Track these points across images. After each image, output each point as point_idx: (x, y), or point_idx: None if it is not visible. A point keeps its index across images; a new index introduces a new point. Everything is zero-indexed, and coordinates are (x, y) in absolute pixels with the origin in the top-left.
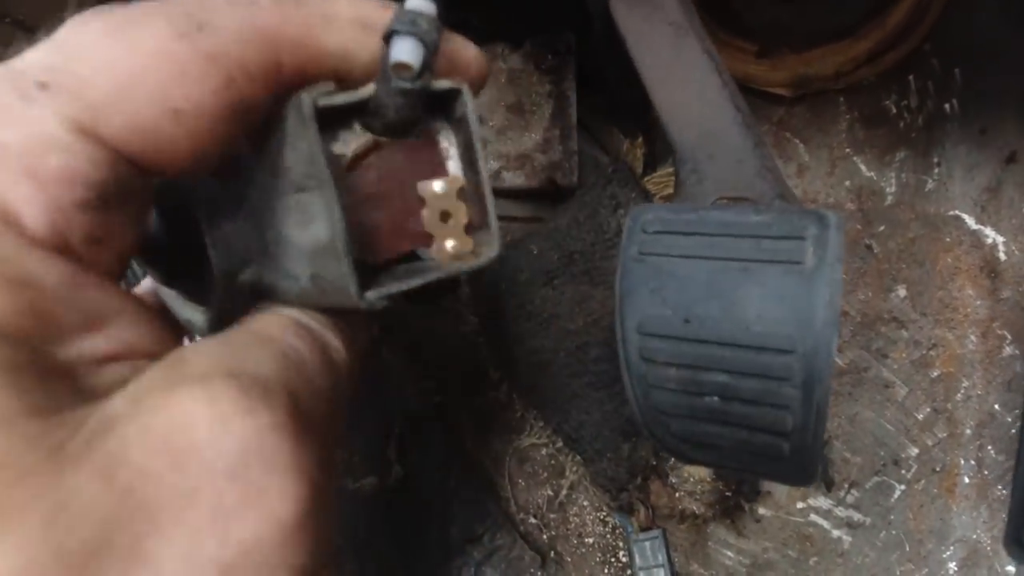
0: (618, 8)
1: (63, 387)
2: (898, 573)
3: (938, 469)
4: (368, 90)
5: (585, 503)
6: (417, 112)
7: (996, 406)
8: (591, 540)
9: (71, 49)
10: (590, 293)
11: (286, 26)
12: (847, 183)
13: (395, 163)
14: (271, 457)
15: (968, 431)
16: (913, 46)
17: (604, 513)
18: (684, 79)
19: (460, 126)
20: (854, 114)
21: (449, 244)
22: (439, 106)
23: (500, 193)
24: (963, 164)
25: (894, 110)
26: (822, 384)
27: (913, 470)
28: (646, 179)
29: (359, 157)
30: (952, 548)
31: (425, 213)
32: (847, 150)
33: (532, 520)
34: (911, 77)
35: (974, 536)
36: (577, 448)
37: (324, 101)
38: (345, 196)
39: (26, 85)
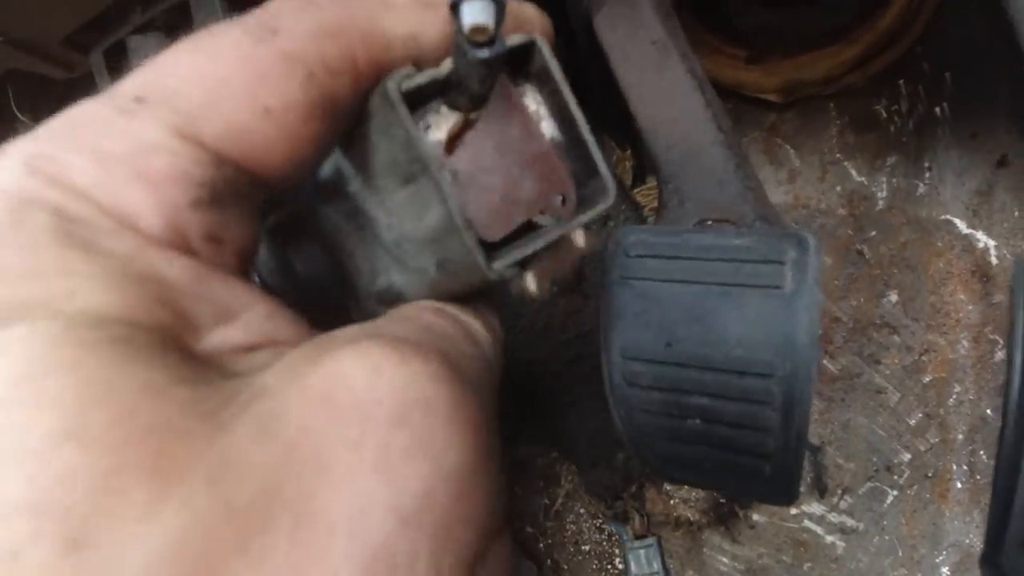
0: (601, 25)
1: (209, 369)
2: None
3: (931, 474)
4: (447, 66)
5: (581, 511)
6: (500, 78)
7: (988, 411)
8: (587, 548)
9: (161, 67)
10: (582, 305)
11: (352, 19)
12: (838, 188)
13: (490, 137)
14: (432, 404)
15: (960, 436)
16: (904, 49)
17: (600, 521)
18: (667, 98)
19: (544, 80)
20: (844, 119)
21: (559, 201)
22: (517, 68)
23: None
24: (954, 168)
25: (884, 115)
26: (802, 407)
27: (906, 475)
28: (635, 191)
29: (453, 138)
30: (945, 553)
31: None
32: (838, 155)
33: (528, 529)
34: (901, 81)
35: (967, 541)
36: (572, 457)
37: (407, 84)
38: (451, 178)
39: (124, 102)
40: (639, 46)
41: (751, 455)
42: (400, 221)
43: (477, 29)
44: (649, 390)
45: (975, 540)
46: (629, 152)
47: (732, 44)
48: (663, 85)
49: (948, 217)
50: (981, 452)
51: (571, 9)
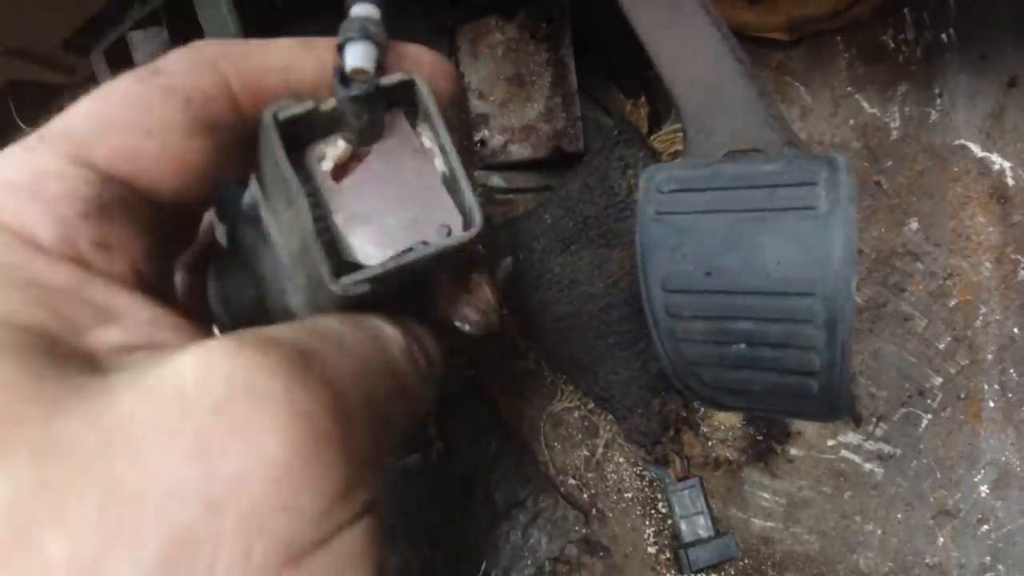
0: None
1: (81, 366)
2: (931, 500)
3: (962, 396)
4: (330, 102)
5: (621, 460)
6: (379, 115)
7: (1015, 329)
8: (630, 495)
9: (64, 113)
10: (608, 255)
11: (228, 54)
12: (851, 122)
13: (382, 168)
14: (258, 394)
15: (989, 356)
16: None
17: (640, 468)
18: (683, 36)
19: (428, 119)
20: (852, 52)
21: (445, 232)
22: (412, 107)
23: (508, 166)
24: (965, 92)
25: (892, 44)
26: (845, 322)
27: (938, 399)
28: (652, 138)
29: (342, 167)
30: (983, 471)
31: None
32: (848, 89)
33: (572, 481)
34: (906, 9)
35: (1003, 458)
36: (608, 407)
37: (285, 113)
38: (337, 201)
39: (30, 142)
40: None
41: (798, 374)
42: (287, 240)
43: (357, 70)
44: (692, 320)
45: (1011, 457)
46: (643, 99)
47: None
48: (678, 23)
49: (962, 142)
50: (1011, 371)
51: None
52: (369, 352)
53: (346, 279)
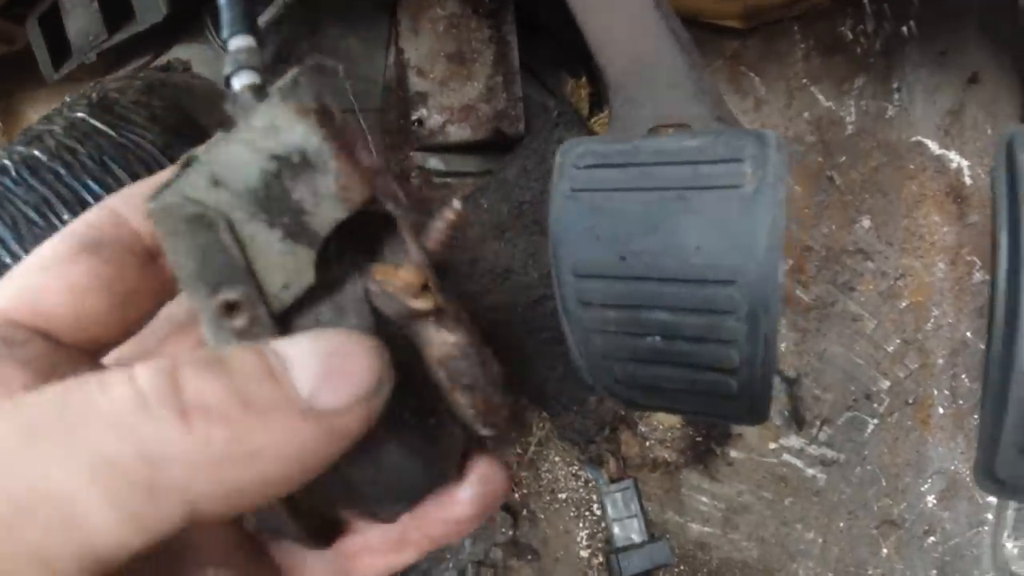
0: None
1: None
2: (876, 509)
3: (911, 401)
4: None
5: (556, 459)
6: None
7: (968, 333)
8: (564, 496)
9: None
10: (543, 244)
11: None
12: (806, 115)
13: None
14: None
15: (940, 360)
16: None
17: (576, 468)
18: (612, 2)
19: None
20: (809, 43)
21: None
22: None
23: (447, 148)
24: (924, 88)
25: (850, 36)
26: (769, 315)
27: (886, 403)
28: (593, 120)
29: None
30: (931, 480)
31: None
32: (804, 80)
33: None
34: (866, 0)
35: (952, 467)
36: (543, 404)
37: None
38: None
39: None
40: None
41: (716, 371)
42: None
43: (248, 87)
44: (604, 308)
45: (960, 466)
46: (584, 79)
47: None
48: None
49: (919, 138)
50: (963, 376)
51: None
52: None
53: None
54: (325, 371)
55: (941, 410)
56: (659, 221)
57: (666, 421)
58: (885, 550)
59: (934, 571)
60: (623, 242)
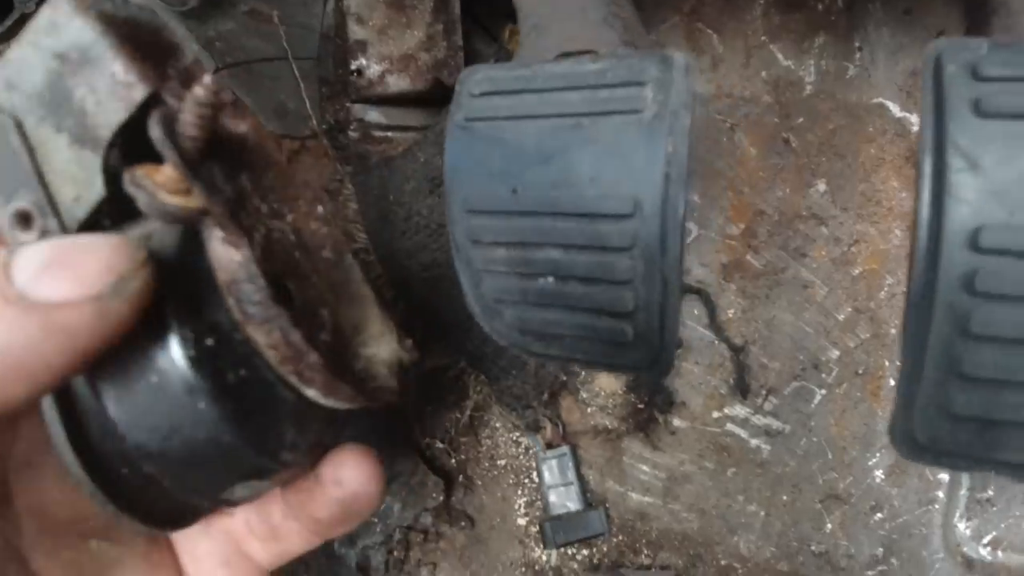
0: None
1: None
2: (821, 482)
3: (861, 372)
4: None
5: (497, 425)
6: None
7: None
8: (503, 462)
9: None
10: None
11: None
12: (763, 74)
13: None
14: None
15: (893, 331)
16: None
17: (517, 435)
18: None
19: None
20: None
21: None
22: None
23: (386, 99)
24: (887, 48)
25: None
26: (668, 255)
27: (834, 373)
28: None
29: None
30: (879, 455)
31: None
32: (763, 38)
33: (439, 444)
34: None
35: None
36: (481, 367)
37: None
38: None
39: None
40: None
41: (610, 315)
42: None
43: None
44: (494, 247)
45: None
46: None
47: None
48: None
49: (880, 100)
50: None
51: None
52: None
53: None
54: (46, 263)
55: (892, 382)
56: (554, 151)
57: (608, 387)
58: (829, 525)
59: (880, 548)
60: (515, 175)
